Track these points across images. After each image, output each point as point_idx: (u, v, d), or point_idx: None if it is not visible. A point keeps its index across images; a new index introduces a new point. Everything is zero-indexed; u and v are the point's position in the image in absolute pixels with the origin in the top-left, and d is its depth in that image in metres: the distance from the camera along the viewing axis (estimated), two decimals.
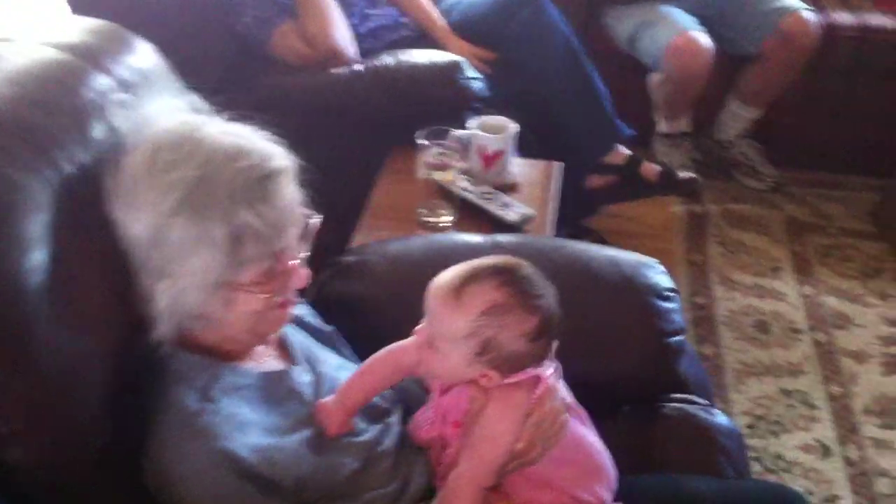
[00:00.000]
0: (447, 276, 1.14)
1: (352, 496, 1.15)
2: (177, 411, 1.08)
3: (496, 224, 1.86)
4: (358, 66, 2.25)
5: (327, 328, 1.38)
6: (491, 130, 2.01)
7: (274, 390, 1.17)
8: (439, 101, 2.18)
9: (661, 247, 2.69)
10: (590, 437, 1.26)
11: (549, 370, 1.20)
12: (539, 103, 2.46)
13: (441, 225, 1.85)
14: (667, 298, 1.55)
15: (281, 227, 1.10)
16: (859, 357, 2.39)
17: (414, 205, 1.89)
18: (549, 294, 1.15)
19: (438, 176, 1.87)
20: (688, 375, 1.60)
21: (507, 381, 1.15)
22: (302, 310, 1.35)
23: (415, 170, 1.95)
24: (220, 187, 1.06)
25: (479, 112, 2.18)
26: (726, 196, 2.97)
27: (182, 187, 1.05)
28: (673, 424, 1.52)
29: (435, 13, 2.57)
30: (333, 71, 2.25)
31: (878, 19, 2.97)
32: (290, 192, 1.11)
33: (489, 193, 1.93)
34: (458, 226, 1.85)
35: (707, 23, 2.82)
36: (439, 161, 1.87)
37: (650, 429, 1.51)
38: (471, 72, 2.24)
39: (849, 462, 2.09)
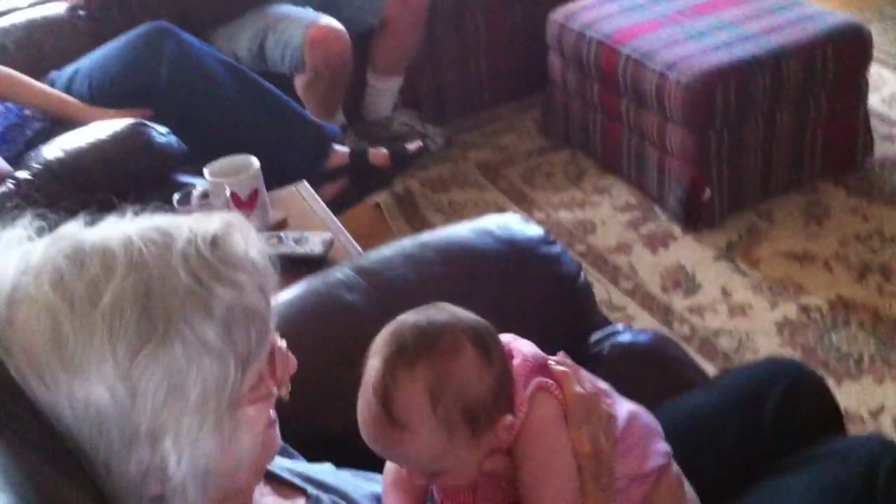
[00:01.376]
0: (363, 417, 0.90)
1: None
2: None
3: (304, 264, 1.59)
4: (21, 174, 1.81)
5: None
6: (230, 174, 1.72)
7: None
8: (143, 171, 1.85)
9: (390, 240, 2.54)
10: (625, 402, 1.10)
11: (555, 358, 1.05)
12: (234, 138, 2.21)
13: None
14: (550, 242, 1.42)
15: (262, 287, 0.77)
16: (623, 249, 2.45)
17: None
18: (442, 312, 0.94)
19: None
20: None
21: (523, 398, 0.96)
22: None
23: None
24: (172, 279, 0.72)
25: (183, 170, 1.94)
26: (413, 168, 2.89)
27: (127, 308, 0.70)
28: (620, 360, 1.39)
29: (59, 92, 2.17)
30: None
31: None
32: (249, 244, 0.78)
33: (273, 237, 1.65)
34: None
35: (322, 9, 2.70)
36: None
37: (607, 377, 1.38)
38: (158, 128, 1.93)
39: (685, 338, 2.13)
